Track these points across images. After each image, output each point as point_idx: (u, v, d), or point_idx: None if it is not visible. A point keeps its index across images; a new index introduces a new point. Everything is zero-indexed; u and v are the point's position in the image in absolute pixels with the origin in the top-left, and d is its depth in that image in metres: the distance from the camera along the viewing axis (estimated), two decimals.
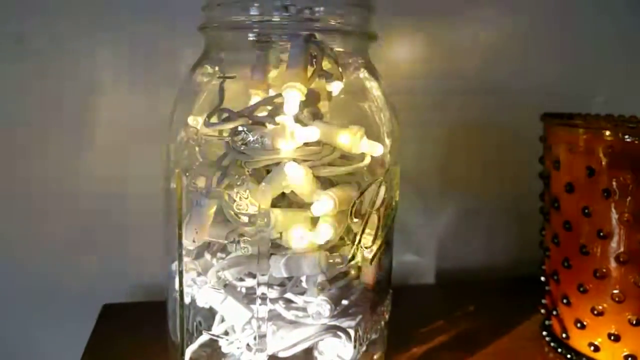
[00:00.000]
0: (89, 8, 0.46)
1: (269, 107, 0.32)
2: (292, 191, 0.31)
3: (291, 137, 0.30)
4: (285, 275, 0.31)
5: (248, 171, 0.31)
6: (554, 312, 0.43)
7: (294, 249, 0.31)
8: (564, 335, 0.42)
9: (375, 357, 0.37)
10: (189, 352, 0.34)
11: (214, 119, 0.32)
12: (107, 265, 0.50)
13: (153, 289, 0.48)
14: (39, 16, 0.46)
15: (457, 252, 0.58)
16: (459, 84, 0.54)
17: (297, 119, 0.31)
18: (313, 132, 0.30)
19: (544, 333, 0.45)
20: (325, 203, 0.30)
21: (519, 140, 0.53)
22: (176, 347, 0.34)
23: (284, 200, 0.32)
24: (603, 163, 0.37)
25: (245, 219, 0.31)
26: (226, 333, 0.33)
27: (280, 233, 0.31)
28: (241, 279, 0.33)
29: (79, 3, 0.46)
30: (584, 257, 0.39)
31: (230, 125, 0.31)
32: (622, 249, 0.37)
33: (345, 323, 0.33)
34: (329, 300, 0.32)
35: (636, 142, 0.36)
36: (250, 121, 0.31)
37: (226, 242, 0.32)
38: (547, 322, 0.45)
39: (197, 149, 0.33)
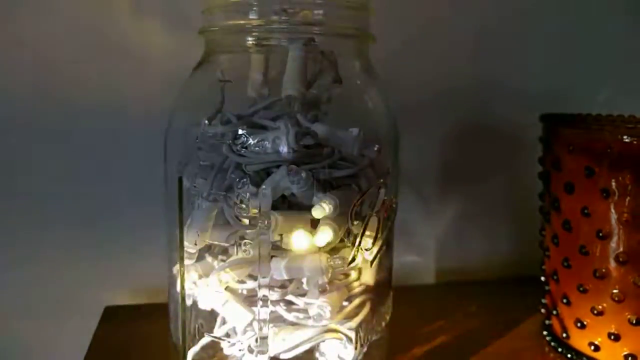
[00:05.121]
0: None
1: (269, 110, 0.32)
2: (292, 194, 0.31)
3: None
4: (286, 277, 0.31)
5: (249, 174, 0.31)
6: (554, 312, 0.43)
7: (295, 252, 0.31)
8: (564, 334, 0.42)
9: (376, 358, 0.37)
10: (190, 354, 0.34)
11: (214, 122, 0.33)
12: (109, 268, 0.50)
13: (155, 292, 0.48)
14: None
15: (457, 253, 0.58)
16: (458, 84, 0.54)
17: (298, 122, 0.31)
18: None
19: (544, 333, 0.45)
20: (325, 206, 0.30)
21: (519, 141, 0.53)
22: (178, 349, 0.35)
23: (284, 203, 0.32)
24: (602, 163, 0.37)
25: (246, 222, 0.31)
26: (228, 335, 0.33)
27: (281, 235, 0.31)
28: (242, 281, 0.33)
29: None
30: (583, 257, 0.39)
31: (230, 129, 0.32)
32: (621, 249, 0.38)
33: (347, 324, 0.33)
34: (330, 302, 0.32)
35: (635, 142, 0.36)
36: (250, 124, 0.32)
37: (227, 244, 0.32)
38: (547, 322, 0.45)
39: (197, 152, 0.33)
